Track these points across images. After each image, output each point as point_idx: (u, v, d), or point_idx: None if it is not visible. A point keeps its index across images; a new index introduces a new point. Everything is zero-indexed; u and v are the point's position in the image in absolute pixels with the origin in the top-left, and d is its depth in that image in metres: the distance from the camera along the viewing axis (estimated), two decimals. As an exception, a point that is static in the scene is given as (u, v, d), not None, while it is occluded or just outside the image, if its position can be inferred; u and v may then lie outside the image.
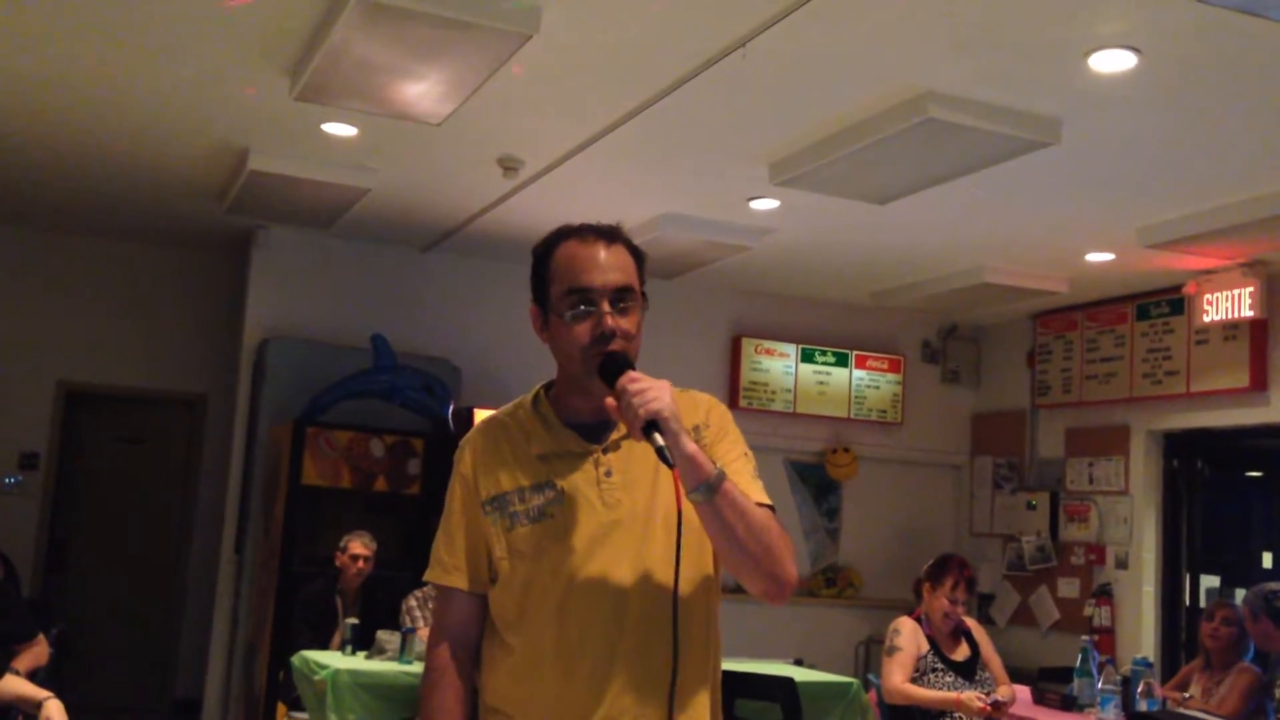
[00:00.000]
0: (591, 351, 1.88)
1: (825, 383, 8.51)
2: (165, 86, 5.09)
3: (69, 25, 4.52)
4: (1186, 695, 5.12)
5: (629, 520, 1.90)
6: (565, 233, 1.97)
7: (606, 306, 1.89)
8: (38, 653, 4.30)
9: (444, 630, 1.98)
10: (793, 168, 5.41)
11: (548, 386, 2.03)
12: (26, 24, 4.54)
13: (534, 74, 4.61)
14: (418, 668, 4.91)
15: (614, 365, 1.85)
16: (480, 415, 6.91)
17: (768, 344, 8.39)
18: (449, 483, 2.02)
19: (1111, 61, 4.19)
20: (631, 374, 1.81)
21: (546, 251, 1.97)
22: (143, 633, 8.19)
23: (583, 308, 1.89)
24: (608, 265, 1.91)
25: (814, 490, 8.60)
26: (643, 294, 1.95)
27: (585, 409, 1.94)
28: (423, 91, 4.68)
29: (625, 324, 1.89)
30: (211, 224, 7.38)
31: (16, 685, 3.36)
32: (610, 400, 1.81)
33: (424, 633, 5.21)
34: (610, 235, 1.95)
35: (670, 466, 1.76)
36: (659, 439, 1.76)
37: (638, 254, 1.97)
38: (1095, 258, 6.83)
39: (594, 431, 1.94)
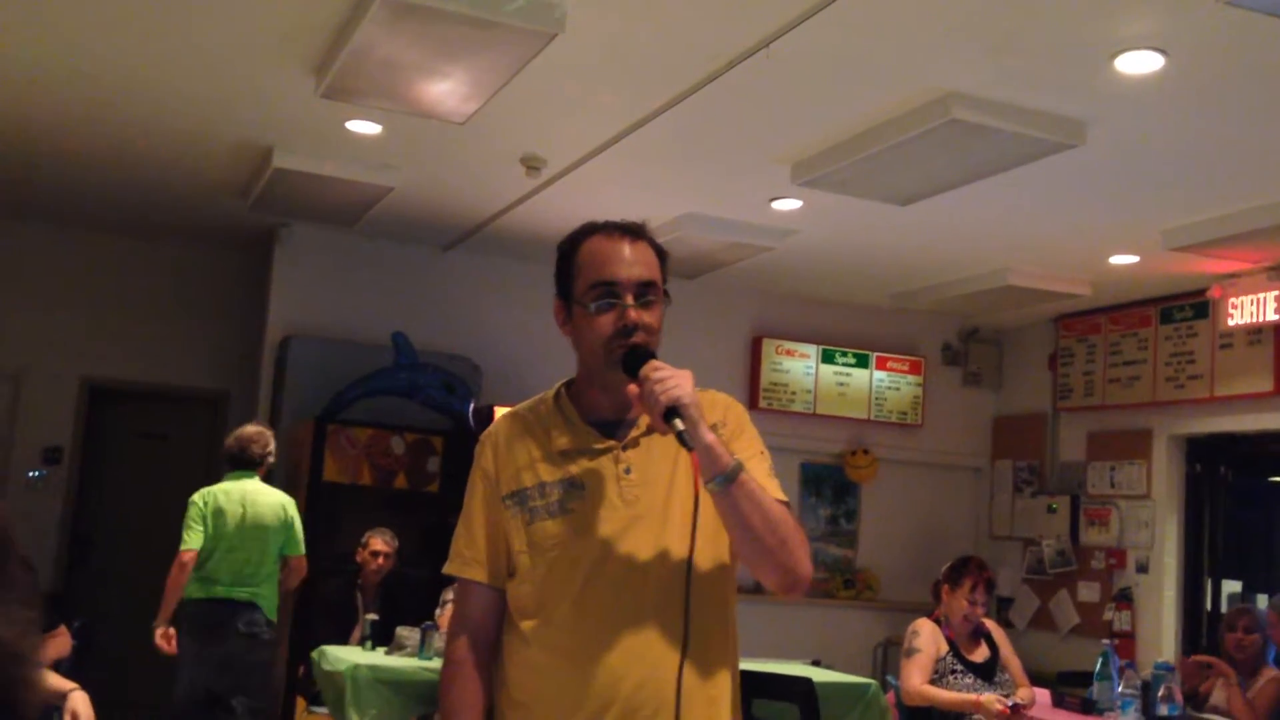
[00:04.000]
0: (614, 344, 1.92)
1: (845, 384, 8.50)
2: (190, 84, 5.13)
3: (93, 23, 4.56)
4: (1207, 666, 5.07)
5: (647, 516, 1.92)
6: (591, 229, 2.01)
7: (630, 300, 1.92)
8: (60, 644, 4.32)
9: (463, 623, 2.01)
10: (815, 168, 5.41)
11: (569, 384, 2.06)
12: (51, 21, 4.58)
13: (558, 73, 4.62)
14: (437, 664, 4.92)
15: (637, 356, 1.89)
16: (501, 413, 6.92)
17: (788, 344, 8.38)
18: (469, 476, 2.05)
19: (1138, 63, 4.17)
20: (654, 362, 1.87)
21: (572, 246, 2.01)
22: (164, 627, 8.24)
23: (606, 300, 1.93)
24: (632, 260, 1.95)
25: (832, 492, 8.59)
26: (665, 291, 1.98)
27: (606, 405, 1.97)
28: (447, 90, 4.69)
29: (648, 318, 1.93)
30: (235, 221, 7.42)
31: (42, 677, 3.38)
32: (633, 387, 1.86)
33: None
34: (635, 232, 1.99)
35: (690, 450, 1.81)
36: (679, 424, 1.80)
37: (661, 252, 2.02)
38: (1119, 260, 6.80)
39: (614, 428, 1.98)
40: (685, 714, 1.85)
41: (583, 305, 1.95)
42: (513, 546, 1.96)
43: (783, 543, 1.85)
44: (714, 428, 1.90)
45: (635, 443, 1.96)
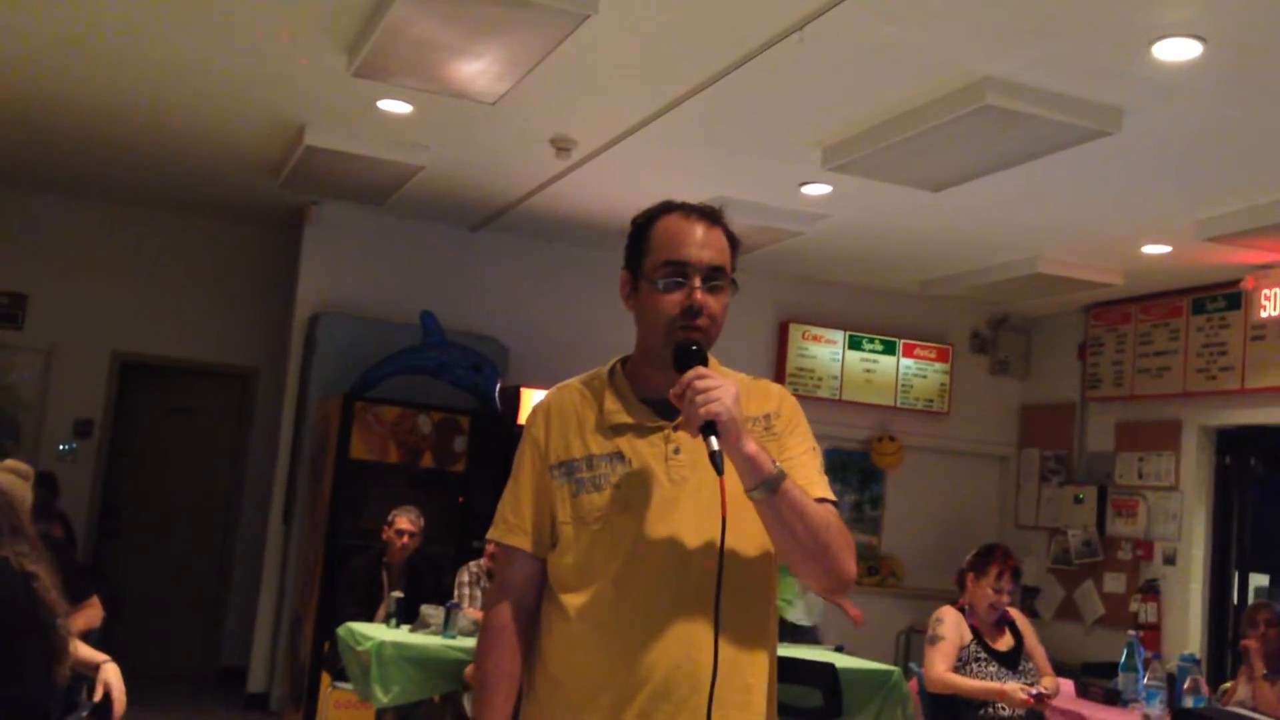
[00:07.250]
0: (677, 324, 1.91)
1: (872, 371, 8.47)
2: (224, 62, 5.15)
3: (129, 1, 4.59)
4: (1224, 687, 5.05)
5: (693, 496, 1.91)
6: (668, 207, 2.01)
7: (698, 282, 1.92)
8: (91, 615, 4.35)
9: (504, 590, 2.00)
10: (847, 153, 5.38)
11: (624, 360, 2.05)
12: (90, 2, 4.61)
13: (590, 54, 4.61)
14: (461, 642, 4.95)
15: (687, 356, 1.87)
16: (527, 394, 6.95)
17: (815, 330, 8.36)
18: (519, 444, 2.05)
19: (1176, 50, 4.12)
20: (700, 369, 1.83)
21: (647, 222, 2.00)
22: (191, 600, 8.32)
23: (675, 280, 1.92)
24: (704, 243, 1.94)
25: (858, 478, 8.57)
26: (733, 279, 1.97)
27: (660, 384, 1.94)
28: (479, 70, 4.69)
29: (713, 303, 1.93)
30: (266, 198, 7.46)
31: (74, 648, 3.41)
32: (673, 391, 1.83)
33: (472, 613, 5.24)
34: (711, 216, 1.99)
35: (719, 474, 1.78)
36: (714, 443, 1.78)
37: (734, 240, 2.00)
38: (1152, 250, 6.74)
39: (667, 408, 1.94)
40: (719, 700, 1.84)
41: (650, 282, 1.94)
42: (557, 517, 1.96)
43: (825, 548, 1.84)
44: (767, 417, 1.88)
45: None
